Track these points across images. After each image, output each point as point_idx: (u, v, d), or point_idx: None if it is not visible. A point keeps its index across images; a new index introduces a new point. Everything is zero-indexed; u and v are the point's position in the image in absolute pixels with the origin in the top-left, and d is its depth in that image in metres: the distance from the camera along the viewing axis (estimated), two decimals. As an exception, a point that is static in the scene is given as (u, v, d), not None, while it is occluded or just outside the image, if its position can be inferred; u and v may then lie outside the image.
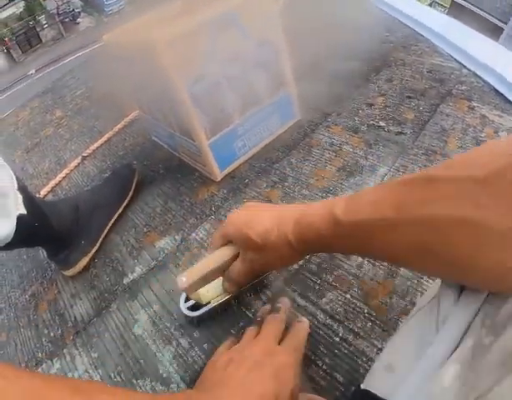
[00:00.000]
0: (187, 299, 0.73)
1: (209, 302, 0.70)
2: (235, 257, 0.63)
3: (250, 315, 0.72)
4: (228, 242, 0.63)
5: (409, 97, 1.11)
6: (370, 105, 1.12)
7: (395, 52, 1.35)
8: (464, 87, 1.09)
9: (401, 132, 0.99)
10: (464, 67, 1.18)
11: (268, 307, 0.67)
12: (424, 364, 0.36)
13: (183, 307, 0.73)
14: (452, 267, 0.35)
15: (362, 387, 0.42)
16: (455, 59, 1.22)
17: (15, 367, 0.34)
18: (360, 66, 1.32)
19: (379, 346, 0.60)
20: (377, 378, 0.42)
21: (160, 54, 0.82)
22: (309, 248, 0.53)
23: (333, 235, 0.47)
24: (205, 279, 0.65)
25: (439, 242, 0.34)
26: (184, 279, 0.63)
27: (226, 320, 0.72)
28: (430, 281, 0.65)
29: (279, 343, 0.57)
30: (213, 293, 0.70)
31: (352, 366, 0.59)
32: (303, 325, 0.61)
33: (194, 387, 0.54)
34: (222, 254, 0.63)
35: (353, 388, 0.56)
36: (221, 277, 0.67)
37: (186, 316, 0.72)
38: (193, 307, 0.72)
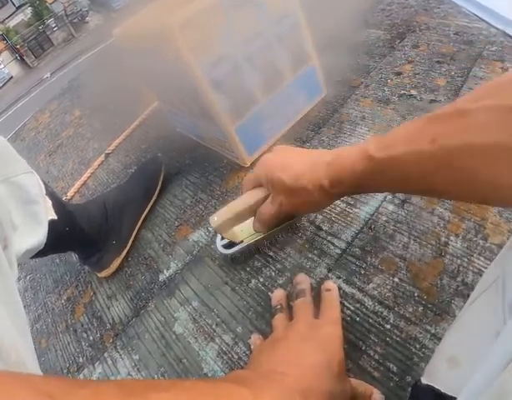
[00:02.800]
0: (223, 238, 0.76)
1: (242, 242, 0.73)
2: (265, 198, 0.64)
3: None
4: (258, 185, 0.65)
5: (439, 63, 1.05)
6: (398, 74, 1.07)
7: (418, 17, 1.28)
8: (494, 48, 1.02)
9: (435, 100, 0.93)
10: (492, 26, 1.10)
11: (281, 291, 0.67)
12: (492, 357, 0.32)
13: (219, 244, 0.76)
14: (490, 189, 0.36)
15: (423, 381, 0.39)
16: (482, 19, 1.15)
17: (61, 382, 0.31)
18: (383, 33, 1.26)
19: (433, 331, 0.56)
20: (440, 373, 0.39)
21: (174, 39, 0.78)
22: (342, 190, 0.53)
23: (367, 172, 0.47)
24: (236, 219, 0.69)
25: (476, 168, 0.35)
26: (216, 218, 0.68)
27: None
28: (481, 258, 0.61)
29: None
30: (246, 233, 0.73)
31: (405, 354, 0.55)
32: (332, 294, 0.63)
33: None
34: (252, 195, 0.66)
35: (408, 378, 0.53)
36: (253, 218, 0.70)
37: (221, 253, 0.76)
38: (229, 246, 0.75)
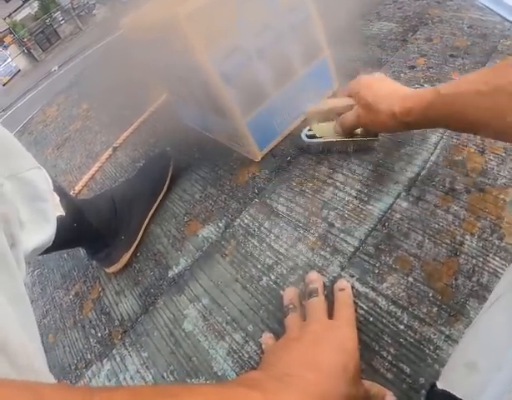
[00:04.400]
0: (309, 130, 0.91)
1: (321, 138, 0.88)
2: (351, 107, 0.77)
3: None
4: (350, 95, 0.79)
5: (453, 56, 1.02)
6: (412, 67, 1.05)
7: (430, 9, 1.26)
8: (509, 42, 1.00)
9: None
10: (506, 19, 1.08)
11: (292, 290, 0.67)
12: None
13: (304, 133, 0.91)
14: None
15: (439, 386, 0.38)
16: (496, 12, 1.13)
17: (70, 392, 0.30)
18: (395, 26, 1.24)
19: (447, 333, 0.55)
20: (457, 378, 0.38)
21: (184, 30, 0.76)
22: (410, 119, 0.63)
23: (433, 104, 0.59)
24: (324, 114, 0.87)
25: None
26: (310, 107, 0.88)
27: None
28: (497, 258, 0.60)
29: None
30: (326, 133, 0.87)
31: (419, 356, 0.54)
32: (346, 293, 0.62)
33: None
34: (343, 101, 0.81)
35: (421, 380, 0.52)
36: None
37: (303, 141, 0.90)
38: (310, 138, 0.90)
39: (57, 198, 0.74)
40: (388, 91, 0.69)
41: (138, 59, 1.17)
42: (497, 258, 0.60)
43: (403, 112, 0.64)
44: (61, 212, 0.74)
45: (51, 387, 0.31)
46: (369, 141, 0.84)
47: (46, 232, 0.69)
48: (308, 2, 0.92)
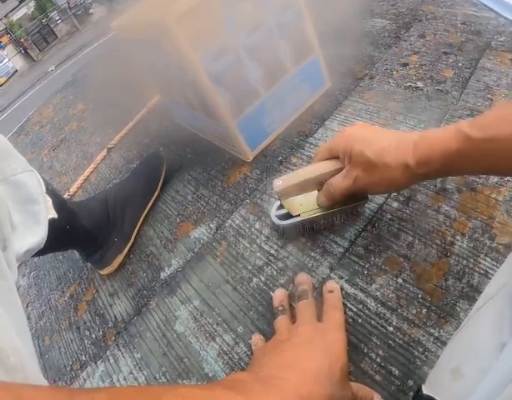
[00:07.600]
0: (279, 208, 0.73)
1: (299, 216, 0.69)
2: (337, 171, 0.62)
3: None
4: (333, 156, 0.64)
5: (446, 53, 1.02)
6: (404, 65, 1.04)
7: (424, 6, 1.26)
8: (503, 38, 0.99)
9: (441, 91, 0.91)
10: (500, 15, 1.08)
11: (282, 292, 0.66)
12: (497, 370, 0.31)
13: (273, 214, 0.73)
14: None
15: (425, 392, 0.38)
16: (490, 8, 1.12)
17: (51, 393, 0.30)
18: (388, 23, 1.24)
19: (436, 334, 0.55)
20: (443, 384, 0.38)
21: (172, 31, 0.76)
22: (429, 171, 0.51)
23: (463, 152, 0.47)
24: (301, 187, 0.67)
25: None
26: (280, 182, 0.67)
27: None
28: (488, 259, 0.60)
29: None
30: (305, 208, 0.69)
31: (407, 357, 0.54)
32: (335, 295, 0.62)
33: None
34: (324, 166, 0.64)
35: (410, 382, 0.52)
36: (316, 192, 0.68)
37: (274, 224, 0.73)
38: (284, 218, 0.72)
39: (50, 201, 0.74)
40: (389, 140, 0.55)
41: (131, 59, 1.17)
42: (488, 259, 0.60)
43: (419, 163, 0.51)
44: (53, 214, 0.74)
45: (32, 389, 0.31)
46: (360, 204, 0.70)
47: (38, 235, 0.69)
48: (299, 0, 0.91)
